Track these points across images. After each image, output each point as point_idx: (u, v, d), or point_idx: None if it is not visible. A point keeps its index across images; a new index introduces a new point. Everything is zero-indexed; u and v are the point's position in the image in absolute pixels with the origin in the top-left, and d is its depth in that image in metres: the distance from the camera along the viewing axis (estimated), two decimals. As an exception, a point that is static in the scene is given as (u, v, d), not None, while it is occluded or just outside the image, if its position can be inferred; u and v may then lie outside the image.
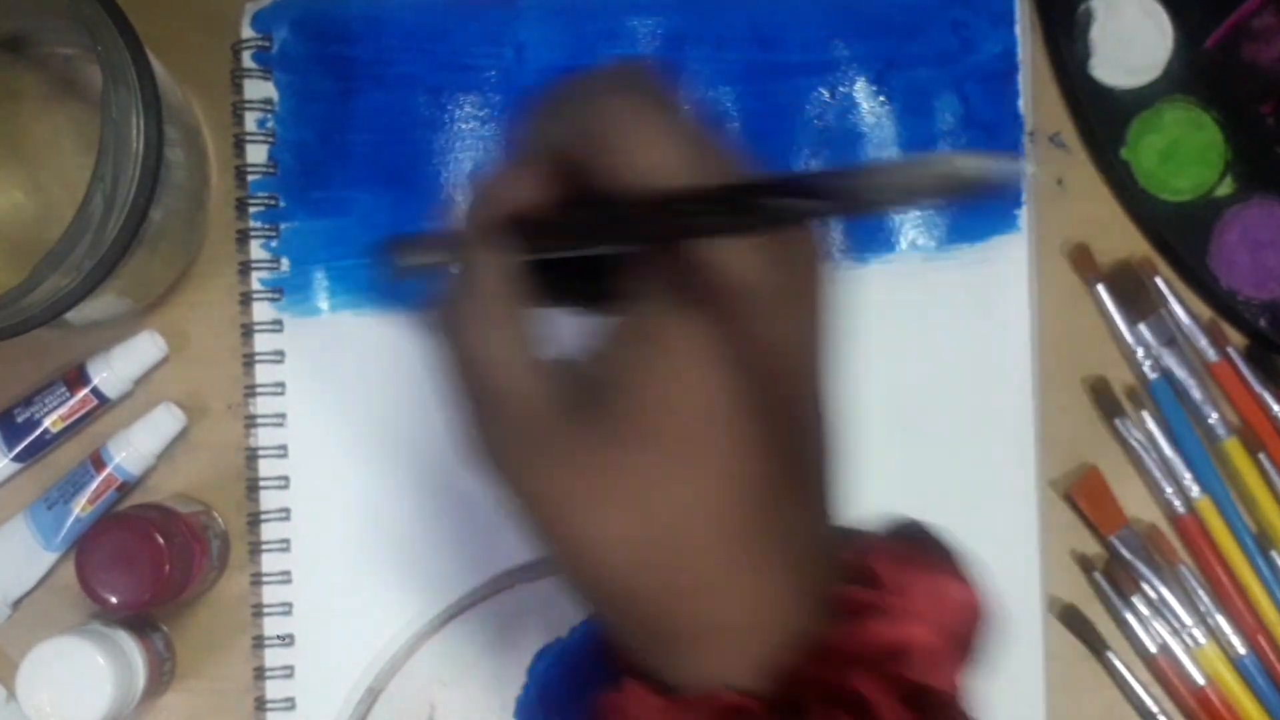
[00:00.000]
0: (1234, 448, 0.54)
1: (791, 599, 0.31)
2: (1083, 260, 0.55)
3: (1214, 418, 0.54)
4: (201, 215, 0.54)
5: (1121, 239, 0.55)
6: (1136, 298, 0.54)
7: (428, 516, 0.53)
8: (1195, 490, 0.54)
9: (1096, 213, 0.55)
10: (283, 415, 0.53)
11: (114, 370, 0.52)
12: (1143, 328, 0.54)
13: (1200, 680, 0.54)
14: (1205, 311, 0.55)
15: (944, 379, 0.54)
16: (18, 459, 0.53)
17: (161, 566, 0.49)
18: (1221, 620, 0.54)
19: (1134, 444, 0.54)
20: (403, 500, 0.53)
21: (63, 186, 0.50)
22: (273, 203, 0.53)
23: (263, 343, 0.53)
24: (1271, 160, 0.54)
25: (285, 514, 0.53)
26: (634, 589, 0.31)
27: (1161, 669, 0.54)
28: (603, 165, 0.31)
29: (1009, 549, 0.53)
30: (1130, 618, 0.54)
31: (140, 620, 0.52)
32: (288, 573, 0.53)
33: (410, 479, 0.53)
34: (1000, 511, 0.53)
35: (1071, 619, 0.54)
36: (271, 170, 0.53)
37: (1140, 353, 0.54)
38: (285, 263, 0.53)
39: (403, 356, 0.53)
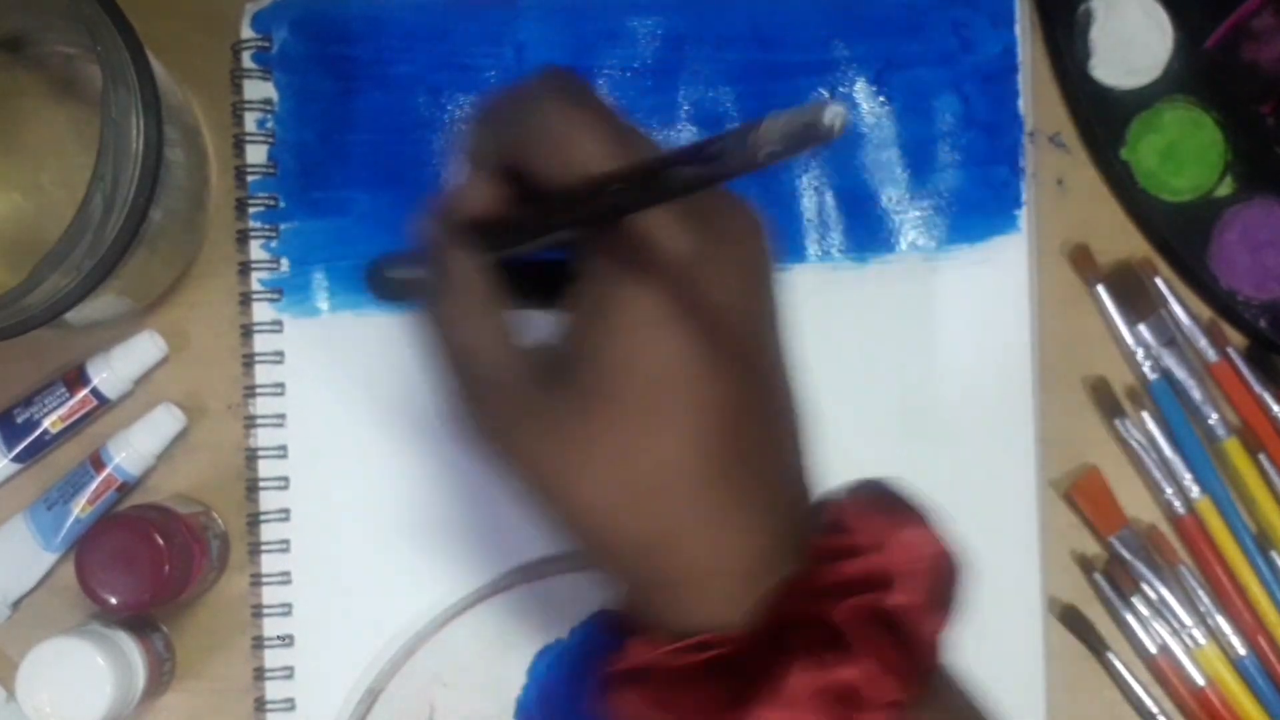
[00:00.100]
0: (1234, 448, 0.54)
1: (768, 543, 0.34)
2: (1083, 260, 0.55)
3: (1214, 418, 0.54)
4: (201, 215, 0.54)
5: (1121, 239, 0.55)
6: (1136, 298, 0.54)
7: (428, 517, 0.53)
8: (1195, 490, 0.54)
9: (1096, 213, 0.55)
10: (283, 415, 0.53)
11: (114, 370, 0.52)
12: (1143, 328, 0.54)
13: (1200, 680, 0.54)
14: (1205, 312, 0.55)
15: (944, 379, 0.54)
16: (17, 459, 0.53)
17: (161, 567, 0.49)
18: (1221, 620, 0.54)
19: (1134, 444, 0.54)
20: (403, 500, 0.53)
21: (63, 186, 0.50)
22: (273, 203, 0.53)
23: (263, 343, 0.53)
24: (1271, 160, 0.54)
25: (285, 514, 0.53)
26: (621, 543, 0.34)
27: (1161, 669, 0.54)
28: (540, 163, 0.34)
29: (1009, 549, 0.53)
30: (1130, 618, 0.54)
31: (140, 620, 0.52)
32: (287, 573, 0.53)
33: (410, 479, 0.53)
34: (1000, 511, 0.53)
35: (1071, 619, 0.54)
36: (271, 170, 0.53)
37: (1140, 353, 0.54)
38: (285, 263, 0.53)
39: (403, 356, 0.53)
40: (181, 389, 0.54)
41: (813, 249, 0.54)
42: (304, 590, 0.53)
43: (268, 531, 0.53)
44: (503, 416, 0.35)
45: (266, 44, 0.53)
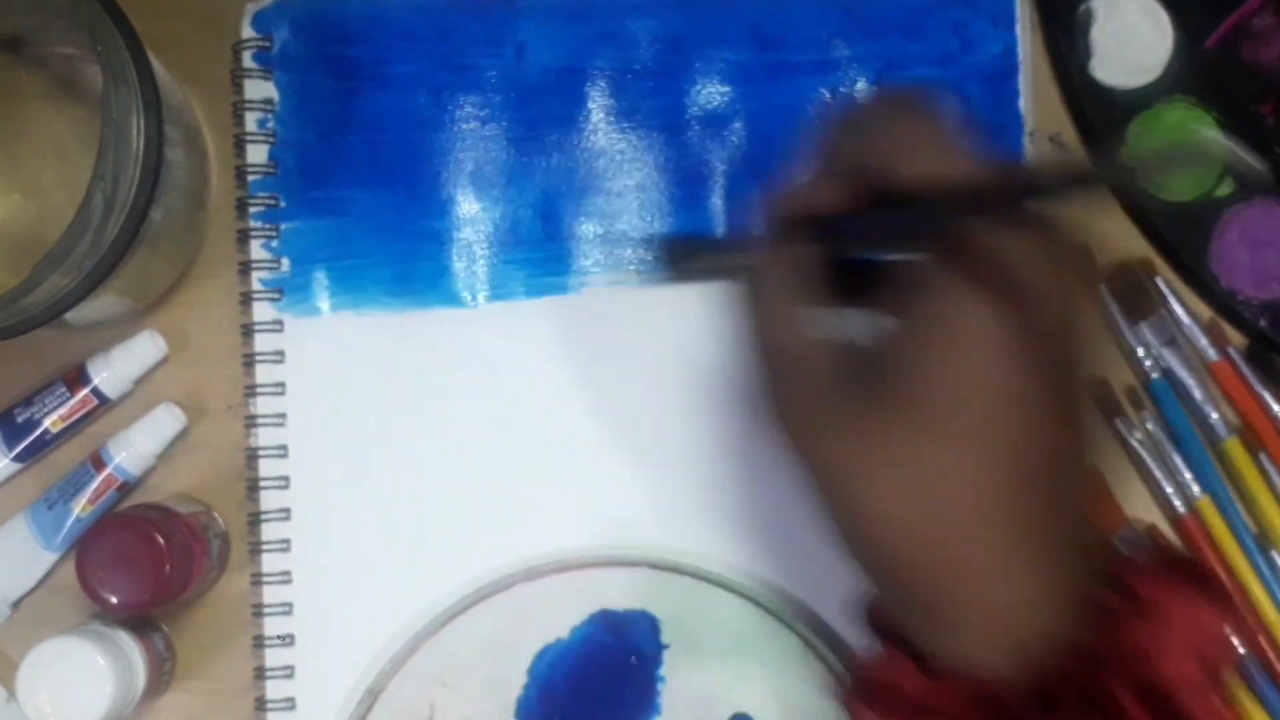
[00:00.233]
0: (1234, 448, 0.54)
1: (1055, 592, 0.33)
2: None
3: (1214, 418, 0.54)
4: (201, 215, 0.54)
5: (1122, 239, 0.55)
6: (1136, 298, 0.54)
7: (428, 516, 0.53)
8: (1195, 490, 0.54)
9: (1096, 213, 0.55)
10: (283, 415, 0.53)
11: (114, 370, 0.52)
12: (1143, 328, 0.54)
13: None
14: (1205, 311, 0.55)
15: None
16: (18, 459, 0.53)
17: (161, 566, 0.49)
18: (1222, 620, 0.54)
19: (1134, 444, 0.54)
20: (403, 500, 0.53)
21: (63, 186, 0.50)
22: (273, 203, 0.53)
23: (263, 343, 0.53)
24: (1272, 160, 0.54)
25: (285, 514, 0.53)
26: (907, 561, 0.33)
27: (1162, 669, 0.54)
28: (894, 174, 0.34)
29: (1009, 549, 0.53)
30: (1130, 618, 0.54)
31: (140, 620, 0.52)
32: (288, 573, 0.53)
33: (410, 478, 0.53)
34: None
35: (1072, 619, 0.54)
36: (272, 170, 0.53)
37: (1140, 352, 0.54)
38: (285, 263, 0.53)
39: (402, 357, 0.53)
40: (182, 389, 0.54)
41: (813, 249, 0.54)
42: (304, 590, 0.53)
43: (268, 531, 0.53)
44: (810, 413, 0.35)
45: (267, 44, 0.53)
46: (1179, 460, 0.54)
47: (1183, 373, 0.54)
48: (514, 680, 0.53)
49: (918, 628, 0.34)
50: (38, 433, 0.53)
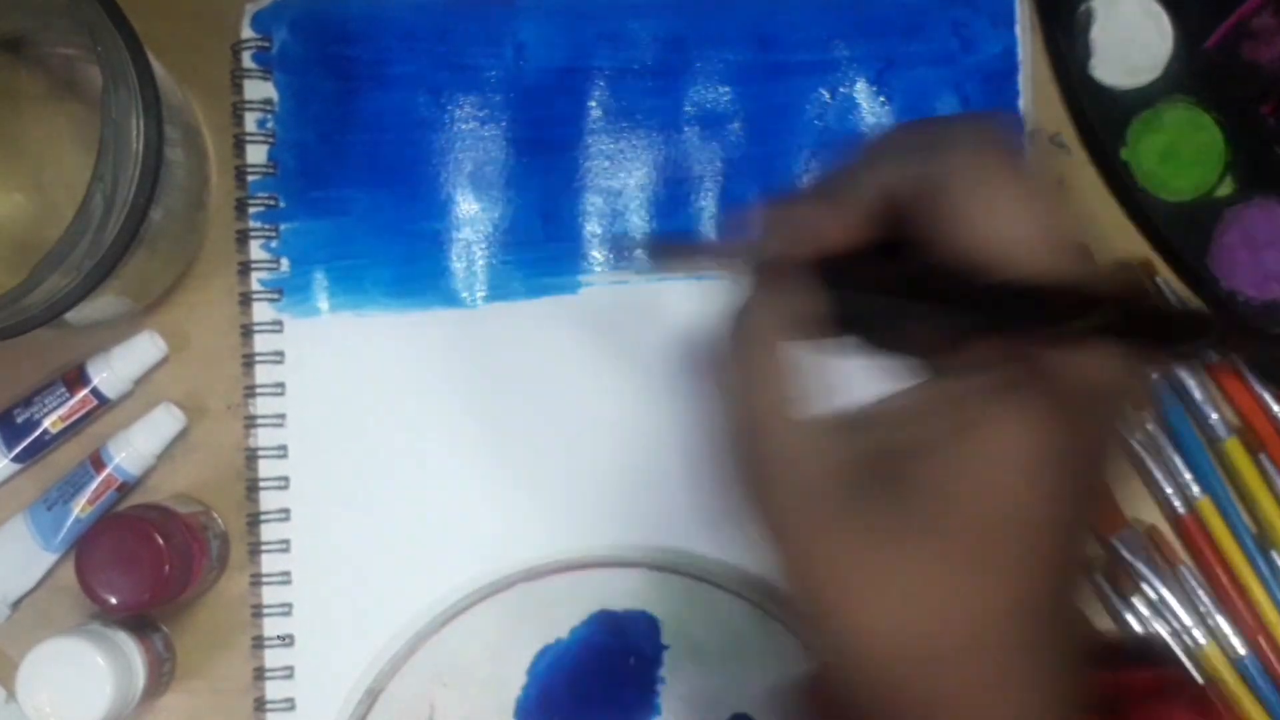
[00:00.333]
0: (1234, 448, 0.54)
1: (1049, 714, 0.30)
2: (1083, 260, 0.55)
3: (1214, 418, 0.54)
4: (201, 215, 0.54)
5: (1122, 239, 0.55)
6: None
7: (428, 517, 0.53)
8: (1195, 490, 0.54)
9: (1096, 213, 0.55)
10: (283, 415, 0.53)
11: (114, 370, 0.52)
12: (1143, 328, 0.54)
13: (1200, 681, 0.53)
14: (1205, 311, 0.55)
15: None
16: (18, 459, 0.53)
17: (161, 566, 0.49)
18: (1221, 620, 0.54)
19: (1134, 444, 0.54)
20: (403, 500, 0.53)
21: (63, 186, 0.50)
22: (273, 203, 0.53)
23: (263, 343, 0.53)
24: (1271, 160, 0.54)
25: (285, 514, 0.53)
26: (897, 684, 0.29)
27: (1161, 669, 0.54)
28: (936, 217, 0.28)
29: (1009, 549, 0.53)
30: (1130, 618, 0.54)
31: (140, 620, 0.52)
32: (288, 573, 0.53)
33: (410, 478, 0.53)
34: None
35: (1071, 619, 0.54)
36: (271, 170, 0.53)
37: (1140, 353, 0.54)
38: (285, 263, 0.53)
39: (402, 357, 0.53)
40: (181, 389, 0.54)
41: (813, 249, 0.54)
42: (304, 590, 0.53)
43: (268, 531, 0.53)
44: (793, 509, 0.29)
45: (266, 44, 0.53)
46: (1179, 461, 0.54)
47: (1183, 373, 0.54)
48: (514, 680, 0.53)
49: None
50: (37, 433, 0.53)
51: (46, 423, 0.52)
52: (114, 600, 0.49)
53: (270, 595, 0.53)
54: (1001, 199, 0.28)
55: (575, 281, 0.54)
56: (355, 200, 0.53)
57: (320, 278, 0.53)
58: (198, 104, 0.53)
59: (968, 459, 0.28)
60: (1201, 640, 0.54)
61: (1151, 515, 0.55)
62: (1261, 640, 0.54)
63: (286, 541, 0.53)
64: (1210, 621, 0.54)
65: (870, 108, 0.54)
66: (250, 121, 0.53)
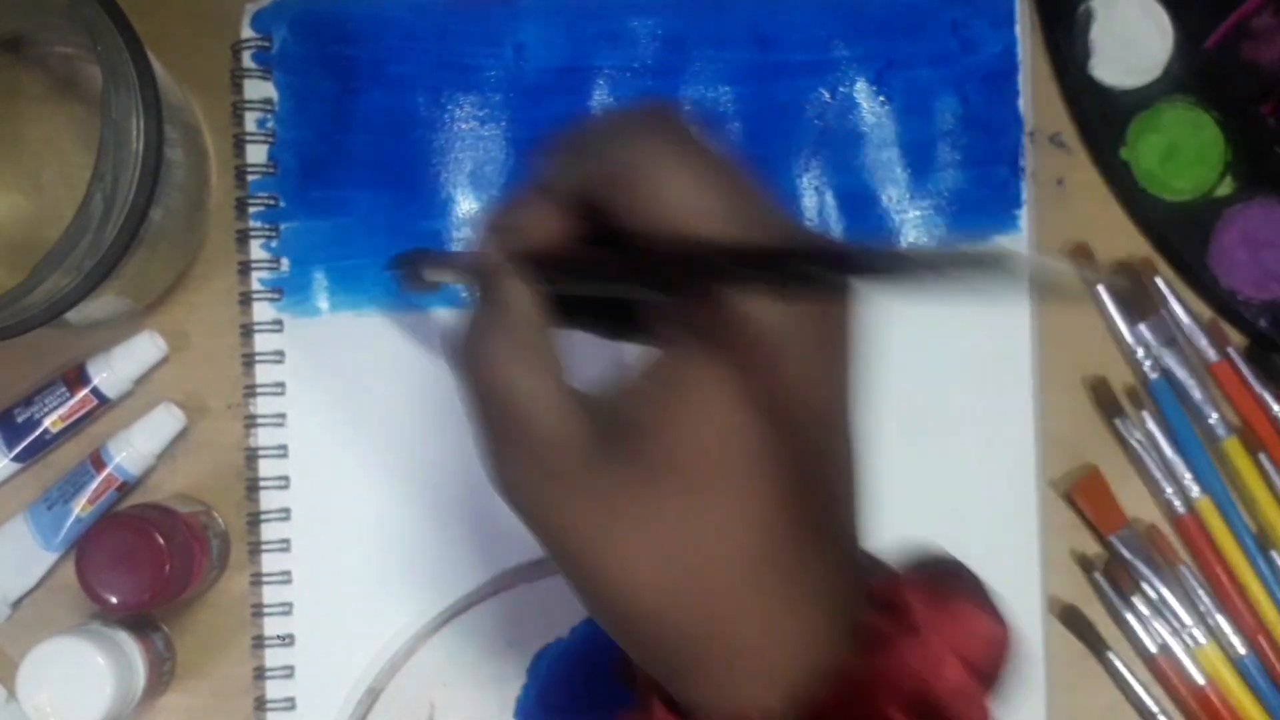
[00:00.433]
0: (1234, 448, 0.54)
1: (818, 630, 0.32)
2: (1083, 261, 0.55)
3: (1214, 418, 0.54)
4: (201, 215, 0.54)
5: (1121, 239, 0.55)
6: (1136, 298, 0.54)
7: (428, 516, 0.53)
8: (1195, 490, 0.54)
9: (1096, 213, 0.55)
10: (283, 415, 0.53)
11: (114, 370, 0.52)
12: (1143, 328, 0.54)
13: (1200, 680, 0.54)
14: (1205, 311, 0.55)
15: (944, 379, 0.53)
16: (18, 459, 0.53)
17: (161, 566, 0.49)
18: (1221, 620, 0.54)
19: (1134, 444, 0.54)
20: (403, 500, 0.53)
21: (63, 186, 0.50)
22: (273, 203, 0.53)
23: (263, 343, 0.53)
24: (1271, 160, 0.54)
25: (285, 514, 0.53)
26: (660, 628, 0.31)
27: (1161, 669, 0.54)
28: (626, 205, 0.31)
29: (1009, 549, 0.53)
30: (1130, 618, 0.54)
31: (140, 620, 0.52)
32: (288, 573, 0.53)
33: (410, 478, 0.53)
34: (1000, 511, 0.53)
35: (1071, 619, 0.54)
36: (271, 170, 0.53)
37: (1140, 353, 0.54)
38: (285, 263, 0.53)
39: (402, 357, 0.53)
40: (181, 389, 0.54)
41: (813, 249, 0.54)
42: (304, 590, 0.53)
43: (268, 531, 0.53)
44: (542, 476, 0.32)
45: (266, 44, 0.53)
46: (1179, 460, 0.54)
47: (1182, 373, 0.54)
48: (514, 680, 0.53)
49: (680, 687, 0.32)
50: (38, 433, 0.53)
51: (47, 422, 0.52)
52: (114, 600, 0.49)
53: (270, 595, 0.53)
54: (680, 177, 0.30)
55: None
56: (355, 200, 0.53)
57: (320, 278, 0.53)
58: (198, 104, 0.53)
59: (675, 412, 0.31)
60: (1201, 640, 0.54)
61: (1151, 515, 0.55)
62: (1261, 640, 0.54)
63: (287, 541, 0.53)
64: (1210, 621, 0.54)
65: (870, 108, 0.54)
66: (250, 121, 0.53)
